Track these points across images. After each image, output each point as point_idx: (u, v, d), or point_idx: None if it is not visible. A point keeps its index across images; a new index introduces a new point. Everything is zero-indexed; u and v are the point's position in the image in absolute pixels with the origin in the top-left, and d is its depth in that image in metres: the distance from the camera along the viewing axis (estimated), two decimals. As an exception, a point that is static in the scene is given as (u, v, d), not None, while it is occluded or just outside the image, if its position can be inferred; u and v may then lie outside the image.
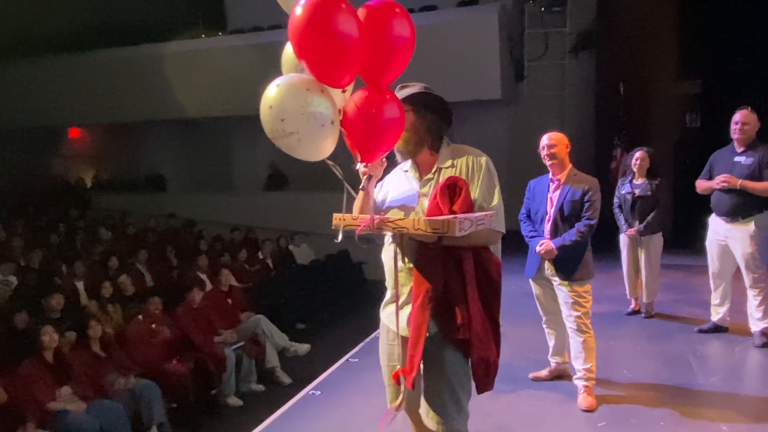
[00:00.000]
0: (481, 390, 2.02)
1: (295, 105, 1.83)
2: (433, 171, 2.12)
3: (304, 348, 6.45)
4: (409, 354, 1.98)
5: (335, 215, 1.94)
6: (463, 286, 1.94)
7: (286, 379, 5.84)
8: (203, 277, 7.02)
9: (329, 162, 1.97)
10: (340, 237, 1.94)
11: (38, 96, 12.91)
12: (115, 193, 14.02)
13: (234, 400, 5.35)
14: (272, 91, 1.87)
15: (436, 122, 2.12)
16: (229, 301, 6.54)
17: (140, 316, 5.32)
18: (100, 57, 12.56)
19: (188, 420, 4.93)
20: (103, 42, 12.55)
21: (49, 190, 14.16)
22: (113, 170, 15.07)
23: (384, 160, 2.03)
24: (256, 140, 13.05)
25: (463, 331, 1.93)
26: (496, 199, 2.05)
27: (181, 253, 8.46)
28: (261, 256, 8.88)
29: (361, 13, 1.84)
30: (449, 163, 2.10)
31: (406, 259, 2.04)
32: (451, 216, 1.82)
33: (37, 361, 4.13)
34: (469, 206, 1.93)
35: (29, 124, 13.53)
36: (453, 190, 1.93)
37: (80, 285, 6.45)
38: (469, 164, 2.08)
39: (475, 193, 2.02)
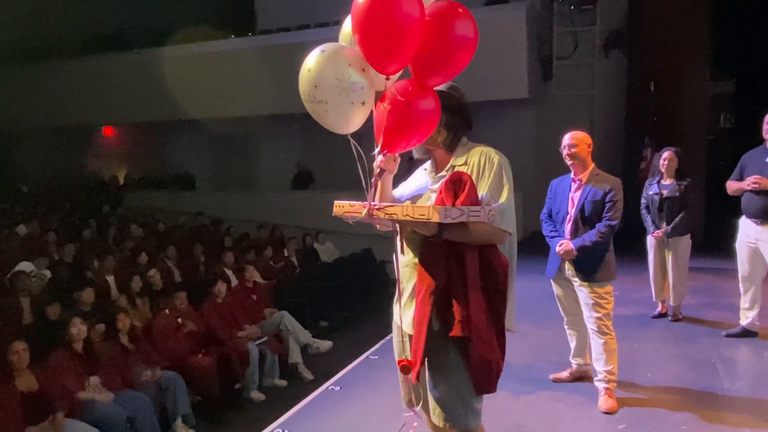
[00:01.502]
0: (480, 391, 1.99)
1: (332, 75, 1.84)
2: (446, 169, 2.11)
3: (326, 345, 6.50)
4: (412, 348, 1.99)
5: (336, 203, 1.96)
6: (465, 283, 1.92)
7: (308, 375, 5.88)
8: (229, 273, 7.13)
9: (351, 138, 1.99)
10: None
11: (73, 95, 13.30)
12: (145, 190, 14.33)
13: (257, 395, 5.41)
14: (315, 55, 1.88)
15: (452, 122, 2.10)
16: (254, 297, 6.62)
17: (167, 310, 5.43)
18: (132, 58, 12.86)
19: (212, 413, 5.00)
20: (136, 43, 12.86)
21: (83, 187, 14.55)
22: (144, 168, 15.41)
23: (397, 156, 2.04)
24: (283, 140, 13.24)
25: (462, 328, 1.90)
26: (505, 197, 1.99)
27: (208, 250, 8.60)
28: (286, 254, 8.97)
29: (427, 10, 1.83)
30: (462, 160, 2.08)
31: (411, 255, 2.04)
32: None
33: (67, 351, 4.24)
34: (474, 202, 1.90)
35: (65, 123, 13.95)
36: (458, 184, 1.91)
37: (111, 279, 6.61)
38: (481, 161, 2.05)
39: (483, 189, 1.99)
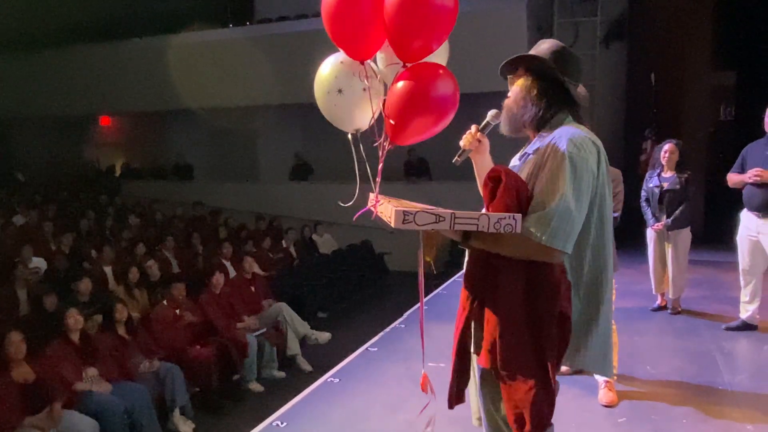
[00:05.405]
0: None
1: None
2: (519, 155, 1.77)
3: (324, 336, 6.49)
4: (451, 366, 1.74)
5: (371, 195, 1.92)
6: (496, 304, 1.59)
7: (306, 367, 5.88)
8: (227, 264, 7.10)
9: (352, 133, 2.00)
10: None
11: (71, 84, 13.19)
12: (143, 180, 14.26)
13: (256, 386, 5.41)
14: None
15: (543, 94, 1.70)
16: (252, 288, 6.59)
17: (164, 301, 5.40)
18: (131, 46, 12.76)
19: (210, 404, 4.99)
20: (133, 32, 12.76)
21: (81, 177, 14.46)
22: (142, 158, 15.33)
23: (482, 136, 1.88)
24: (281, 130, 13.16)
25: (487, 358, 1.60)
26: (555, 202, 1.51)
27: (206, 241, 8.57)
28: (284, 245, 8.95)
29: None
30: (536, 147, 1.68)
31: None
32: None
33: (64, 342, 4.22)
34: (509, 206, 1.53)
35: (62, 111, 13.83)
36: (496, 182, 1.58)
37: (108, 270, 6.58)
38: (546, 152, 1.60)
39: (536, 189, 1.58)
